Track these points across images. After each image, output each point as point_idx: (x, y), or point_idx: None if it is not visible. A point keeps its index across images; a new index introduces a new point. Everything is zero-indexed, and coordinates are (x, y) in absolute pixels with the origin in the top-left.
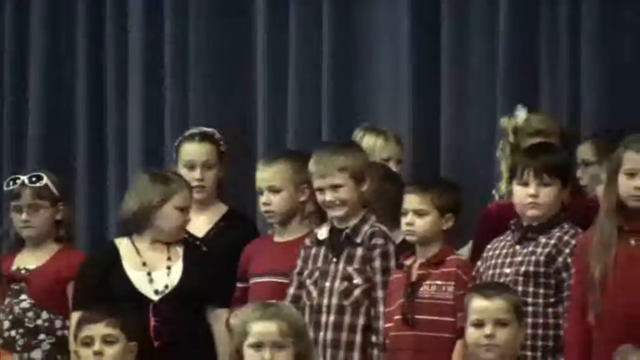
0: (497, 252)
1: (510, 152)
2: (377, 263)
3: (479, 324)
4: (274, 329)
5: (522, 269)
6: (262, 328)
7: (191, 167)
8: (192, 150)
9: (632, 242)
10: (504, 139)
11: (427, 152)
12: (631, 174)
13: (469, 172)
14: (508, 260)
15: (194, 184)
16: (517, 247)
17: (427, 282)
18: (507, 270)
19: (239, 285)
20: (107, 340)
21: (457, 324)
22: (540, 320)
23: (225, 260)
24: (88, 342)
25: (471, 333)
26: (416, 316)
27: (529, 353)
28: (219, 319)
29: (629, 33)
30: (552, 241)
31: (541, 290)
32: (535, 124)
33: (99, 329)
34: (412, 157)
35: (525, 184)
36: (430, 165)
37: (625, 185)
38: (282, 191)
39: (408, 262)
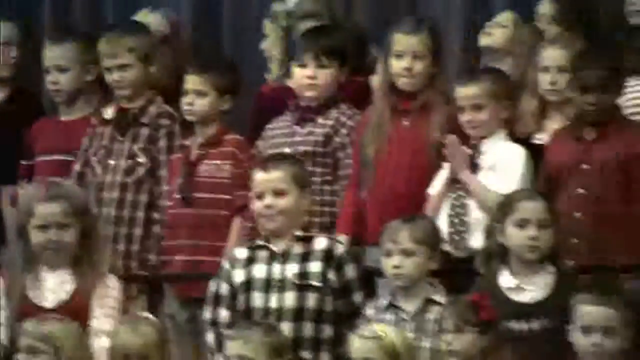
0: (277, 132)
1: (283, 36)
2: (162, 143)
3: (260, 196)
4: (57, 210)
5: (301, 148)
6: (46, 209)
7: None
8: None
9: (405, 122)
10: (275, 23)
11: (208, 33)
12: (399, 56)
13: (248, 55)
14: (288, 140)
15: None
16: (296, 127)
17: (206, 161)
18: (287, 150)
19: (24, 162)
20: None
21: (234, 202)
22: (317, 198)
23: (10, 137)
24: None
25: (256, 204)
26: (195, 194)
27: None
28: (3, 197)
29: None
30: (330, 122)
31: (318, 169)
32: (307, 6)
33: None
34: (193, 37)
35: (304, 66)
36: (211, 46)
37: (393, 66)
38: (69, 70)
39: (188, 142)
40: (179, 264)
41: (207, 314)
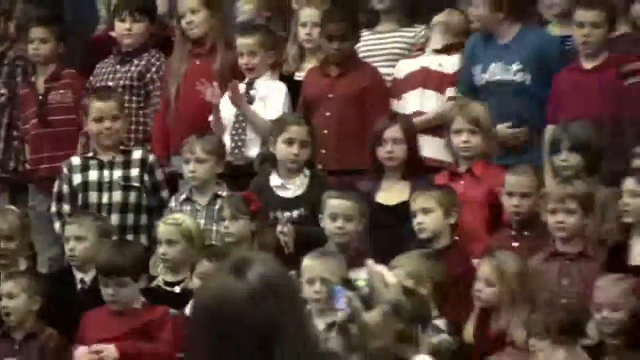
0: (103, 70)
1: None
2: (19, 78)
3: (99, 119)
4: None
5: (121, 82)
6: None
7: None
8: None
9: (197, 62)
10: None
11: None
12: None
13: (84, 9)
14: (111, 76)
15: None
16: (117, 66)
17: (52, 92)
18: (111, 84)
19: None
20: None
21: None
22: (134, 119)
23: None
24: None
25: (95, 125)
26: (49, 117)
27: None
28: None
29: None
30: (143, 62)
31: (134, 98)
32: None
33: None
34: None
35: (123, 20)
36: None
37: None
38: None
39: (32, 79)
40: (44, 170)
41: (53, 207)
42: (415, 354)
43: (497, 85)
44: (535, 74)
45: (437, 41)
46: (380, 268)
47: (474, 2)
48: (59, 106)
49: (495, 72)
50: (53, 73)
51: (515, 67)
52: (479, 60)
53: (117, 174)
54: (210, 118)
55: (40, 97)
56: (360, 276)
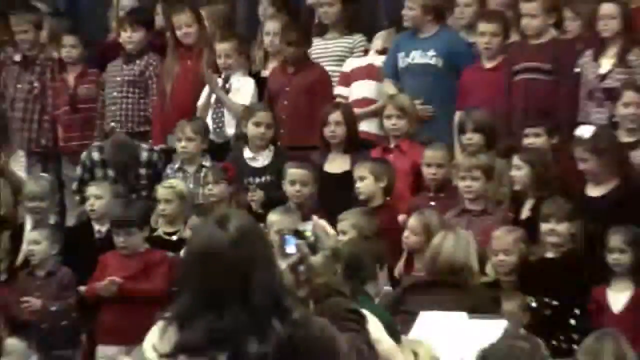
0: (113, 68)
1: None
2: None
3: None
4: None
5: (126, 78)
6: None
7: None
8: None
9: (188, 62)
10: None
11: None
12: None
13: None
14: (119, 73)
15: None
16: (124, 65)
17: (81, 86)
18: (118, 79)
19: None
20: None
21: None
22: (136, 106)
23: None
24: None
25: None
26: (78, 106)
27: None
28: None
29: None
30: (143, 62)
31: (137, 90)
32: None
33: None
34: None
35: (125, 30)
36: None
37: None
38: None
39: (63, 75)
40: (75, 146)
41: (74, 187)
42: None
43: (416, 67)
44: (446, 61)
45: (378, 45)
46: (323, 222)
47: (409, 6)
48: (87, 97)
49: (415, 57)
50: (81, 71)
51: (431, 53)
52: (404, 49)
53: None
54: (199, 103)
55: (71, 91)
56: (307, 228)
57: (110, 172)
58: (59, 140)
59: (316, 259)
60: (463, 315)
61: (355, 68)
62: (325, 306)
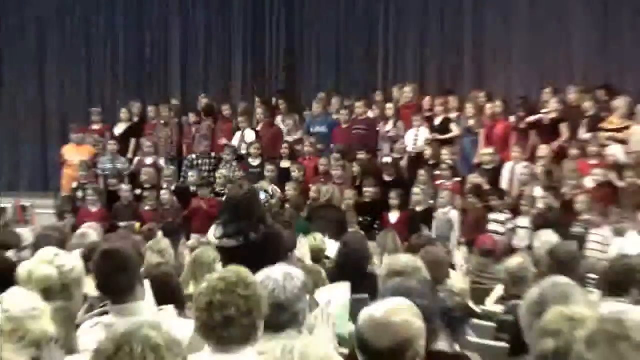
0: None
1: None
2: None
3: None
4: None
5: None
6: None
7: None
8: None
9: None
10: None
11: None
12: None
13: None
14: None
15: None
16: None
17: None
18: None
19: None
20: None
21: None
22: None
23: None
24: None
25: None
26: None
27: None
28: None
29: None
30: None
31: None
32: None
33: None
34: None
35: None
36: None
37: None
38: None
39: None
40: None
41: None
42: None
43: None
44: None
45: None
46: (275, 187)
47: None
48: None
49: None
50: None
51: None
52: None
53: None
54: None
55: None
56: (269, 188)
57: None
58: None
59: (272, 201)
60: None
61: None
62: (278, 220)
